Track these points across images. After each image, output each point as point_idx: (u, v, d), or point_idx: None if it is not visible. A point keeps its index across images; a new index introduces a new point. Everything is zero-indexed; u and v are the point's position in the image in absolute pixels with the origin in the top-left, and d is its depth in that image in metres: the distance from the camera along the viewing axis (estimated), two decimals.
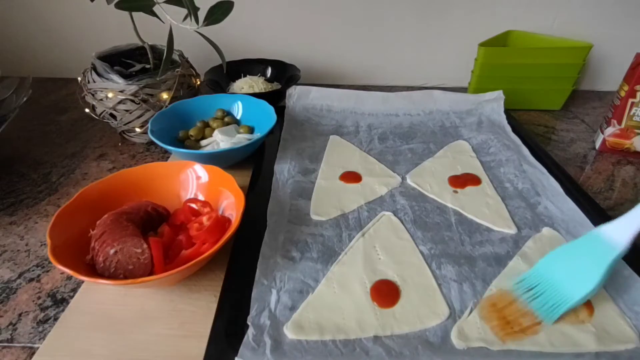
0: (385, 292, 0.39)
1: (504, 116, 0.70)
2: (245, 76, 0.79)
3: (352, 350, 0.34)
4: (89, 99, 0.63)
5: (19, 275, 0.44)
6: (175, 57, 0.69)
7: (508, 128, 0.67)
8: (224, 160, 0.56)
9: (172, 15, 0.55)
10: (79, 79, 0.65)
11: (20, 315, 0.40)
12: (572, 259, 0.37)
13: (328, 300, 0.38)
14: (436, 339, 0.35)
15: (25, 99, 0.60)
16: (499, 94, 0.72)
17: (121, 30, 0.64)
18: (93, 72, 0.63)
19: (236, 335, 0.34)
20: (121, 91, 0.61)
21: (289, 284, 0.39)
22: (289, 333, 0.35)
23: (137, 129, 0.64)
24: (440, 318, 0.36)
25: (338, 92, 0.74)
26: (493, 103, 0.72)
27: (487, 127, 0.68)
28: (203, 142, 0.61)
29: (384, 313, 0.37)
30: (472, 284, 0.40)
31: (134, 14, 0.59)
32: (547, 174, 0.55)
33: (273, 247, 0.43)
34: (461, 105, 0.73)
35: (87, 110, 0.65)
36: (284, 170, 0.56)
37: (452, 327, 0.36)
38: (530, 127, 0.75)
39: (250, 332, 0.34)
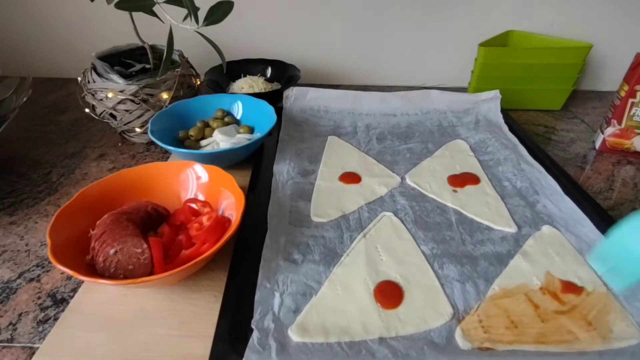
0: (389, 293, 0.39)
1: (500, 115, 0.70)
2: (245, 76, 0.80)
3: (358, 352, 0.34)
4: (89, 99, 0.63)
5: (19, 275, 0.44)
6: (175, 57, 0.69)
7: (505, 127, 0.67)
8: (224, 160, 0.56)
9: (172, 15, 0.55)
10: (79, 79, 0.65)
11: (20, 315, 0.40)
12: None
13: (332, 302, 0.38)
14: (441, 340, 0.35)
15: (25, 99, 0.60)
16: (495, 94, 0.72)
17: (121, 30, 0.64)
18: (93, 72, 0.63)
19: (239, 339, 0.34)
20: (121, 91, 0.61)
21: (291, 287, 0.39)
22: (294, 336, 0.35)
23: (137, 129, 0.64)
24: (445, 318, 0.36)
25: (335, 92, 0.74)
26: (490, 102, 0.72)
27: (484, 126, 0.68)
28: (203, 142, 0.61)
29: (388, 314, 0.37)
30: (474, 283, 0.40)
31: (134, 14, 0.59)
32: (545, 172, 0.55)
33: (274, 249, 0.43)
34: (458, 104, 0.73)
35: (87, 110, 0.65)
36: (283, 171, 0.56)
37: (456, 327, 0.36)
38: (530, 127, 0.75)
39: (255, 335, 0.34)
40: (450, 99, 0.73)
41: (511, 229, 0.47)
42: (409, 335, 0.35)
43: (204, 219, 0.43)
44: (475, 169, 0.57)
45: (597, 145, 0.68)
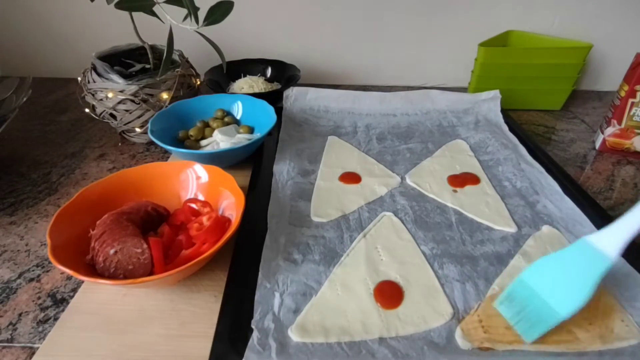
0: (389, 293, 0.39)
1: (500, 115, 0.70)
2: (245, 76, 0.79)
3: (358, 353, 0.34)
4: (89, 99, 0.63)
5: (19, 275, 0.44)
6: (175, 57, 0.69)
7: (505, 127, 0.67)
8: (224, 160, 0.56)
9: (172, 15, 0.55)
10: (79, 79, 0.65)
11: (20, 315, 0.40)
12: (559, 271, 0.35)
13: (332, 302, 0.38)
14: (441, 340, 0.35)
15: (25, 99, 0.60)
16: (495, 93, 0.72)
17: (121, 30, 0.64)
18: (93, 72, 0.63)
19: (239, 339, 0.34)
20: (121, 91, 0.61)
21: (291, 287, 0.39)
22: (294, 336, 0.35)
23: (137, 129, 0.64)
24: (445, 318, 0.36)
25: (335, 92, 0.74)
26: (490, 102, 0.72)
27: (484, 126, 0.68)
28: (203, 142, 0.61)
29: (388, 314, 0.37)
30: (474, 283, 0.40)
31: (134, 14, 0.59)
32: (545, 172, 0.55)
33: (274, 249, 0.43)
34: (458, 104, 0.73)
35: (87, 110, 0.65)
36: (283, 171, 0.56)
37: (456, 327, 0.36)
38: (530, 127, 0.75)
39: (255, 335, 0.34)
40: (450, 99, 0.73)
41: (511, 229, 0.47)
42: (409, 335, 0.35)
43: (204, 219, 0.43)
44: (475, 169, 0.57)
45: (597, 145, 0.68)
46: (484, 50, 0.76)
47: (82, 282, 0.42)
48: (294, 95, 0.72)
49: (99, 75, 0.62)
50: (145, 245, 0.38)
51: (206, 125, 0.63)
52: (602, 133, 0.66)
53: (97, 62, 0.62)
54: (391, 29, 0.87)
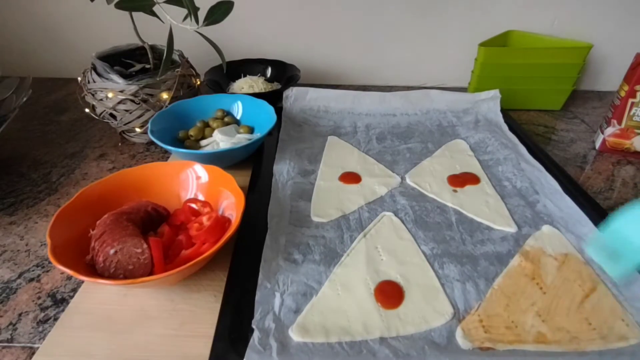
0: (389, 293, 0.39)
1: (500, 115, 0.70)
2: (245, 76, 0.79)
3: (359, 352, 0.34)
4: (89, 99, 0.63)
5: (19, 275, 0.44)
6: (175, 57, 0.69)
7: (505, 127, 0.67)
8: (224, 160, 0.56)
9: (172, 15, 0.55)
10: (79, 79, 0.65)
11: (20, 315, 0.39)
12: None
13: (332, 302, 0.38)
14: (442, 340, 0.35)
15: (25, 99, 0.60)
16: (495, 93, 0.72)
17: (121, 30, 0.64)
18: (93, 72, 0.63)
19: (239, 339, 0.34)
20: (121, 91, 0.61)
21: (292, 287, 0.39)
22: (295, 336, 0.35)
23: (137, 129, 0.64)
24: (445, 318, 0.36)
25: (335, 92, 0.74)
26: (489, 102, 0.72)
27: (484, 125, 0.68)
28: (203, 142, 0.61)
29: (388, 314, 0.37)
30: (475, 283, 0.40)
31: (134, 14, 0.59)
32: (545, 172, 0.55)
33: (275, 249, 0.43)
34: (458, 104, 0.73)
35: (87, 110, 0.65)
36: (283, 171, 0.56)
37: (456, 327, 0.36)
38: (530, 127, 0.75)
39: (256, 335, 0.34)
40: (450, 99, 0.73)
41: (511, 228, 0.47)
42: (409, 335, 0.35)
43: (204, 219, 0.43)
44: (475, 168, 0.57)
45: (597, 145, 0.68)
46: (484, 50, 0.76)
47: (82, 282, 0.42)
48: (293, 95, 0.72)
49: (99, 75, 0.62)
50: (145, 245, 0.38)
51: (206, 125, 0.63)
52: (602, 133, 0.66)
53: (97, 62, 0.62)
54: (391, 29, 0.87)
